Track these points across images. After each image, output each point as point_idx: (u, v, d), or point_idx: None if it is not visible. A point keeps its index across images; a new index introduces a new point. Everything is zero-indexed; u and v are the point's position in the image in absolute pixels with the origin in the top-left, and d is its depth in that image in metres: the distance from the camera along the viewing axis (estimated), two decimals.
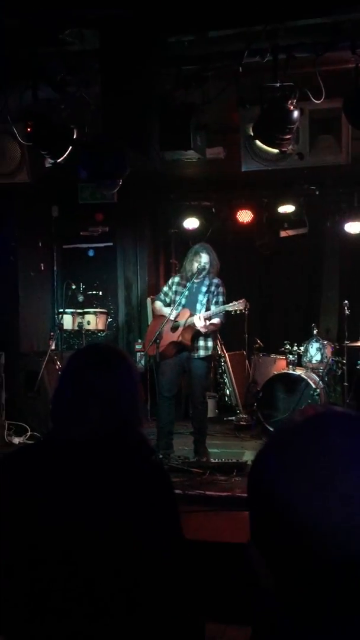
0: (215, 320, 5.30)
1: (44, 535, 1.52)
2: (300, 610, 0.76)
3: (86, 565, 1.50)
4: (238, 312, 5.39)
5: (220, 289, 5.42)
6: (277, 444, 0.81)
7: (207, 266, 5.35)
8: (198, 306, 5.35)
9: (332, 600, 0.74)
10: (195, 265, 5.34)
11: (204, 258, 5.35)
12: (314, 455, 0.75)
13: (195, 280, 5.37)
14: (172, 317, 5.34)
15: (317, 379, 6.52)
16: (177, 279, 5.58)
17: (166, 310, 5.45)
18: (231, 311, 5.33)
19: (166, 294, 5.59)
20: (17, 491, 1.59)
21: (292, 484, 0.75)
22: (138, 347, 7.08)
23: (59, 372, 6.16)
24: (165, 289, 5.65)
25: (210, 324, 5.25)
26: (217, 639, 2.87)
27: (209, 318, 5.24)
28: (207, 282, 5.40)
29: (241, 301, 5.31)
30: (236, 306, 5.30)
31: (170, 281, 5.67)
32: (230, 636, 2.83)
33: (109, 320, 7.33)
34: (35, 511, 1.55)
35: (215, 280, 5.43)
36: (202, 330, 5.21)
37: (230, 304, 5.31)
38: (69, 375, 1.70)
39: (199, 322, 5.18)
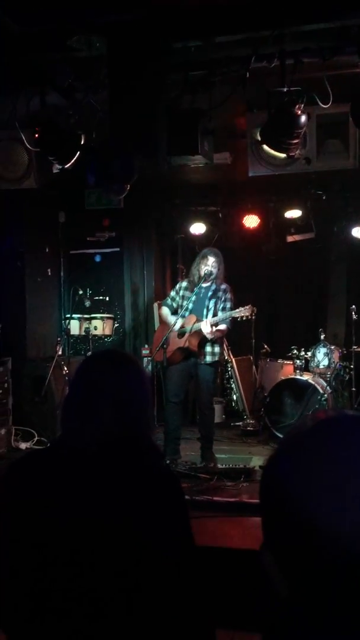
0: (222, 327, 5.29)
1: (54, 539, 1.52)
2: (314, 616, 0.75)
3: (96, 570, 1.49)
4: (244, 318, 5.36)
5: (228, 295, 5.40)
6: (289, 448, 0.80)
7: (215, 271, 5.33)
8: (205, 311, 5.34)
9: (347, 605, 0.73)
10: (203, 270, 5.33)
11: (212, 263, 5.34)
12: (327, 459, 0.75)
13: (203, 285, 5.36)
14: (176, 328, 5.33)
15: (325, 384, 6.50)
16: (184, 284, 5.57)
17: (171, 319, 5.44)
18: (237, 317, 5.31)
19: (173, 299, 5.58)
20: (27, 496, 1.59)
21: (306, 488, 0.74)
22: (145, 352, 7.07)
23: (70, 377, 6.17)
24: (173, 293, 5.64)
25: (217, 330, 5.23)
26: None
27: (216, 324, 5.22)
28: (214, 287, 5.39)
29: (247, 307, 5.28)
30: (242, 312, 5.27)
31: (177, 286, 5.67)
32: None
33: (116, 325, 7.34)
34: (45, 515, 1.54)
35: (223, 286, 5.42)
36: (209, 336, 5.20)
37: (237, 310, 5.29)
38: (80, 381, 1.70)
39: (206, 327, 5.17)
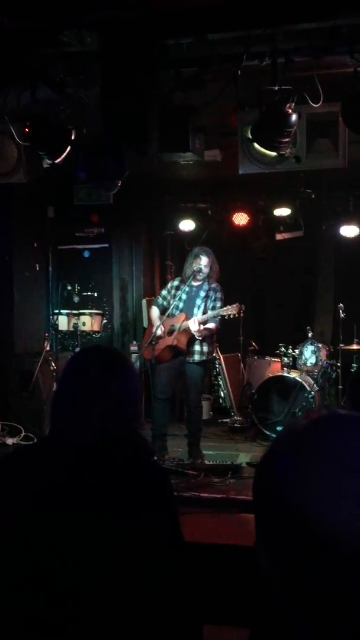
0: (211, 325, 5.29)
1: (42, 535, 1.52)
2: (308, 612, 0.77)
3: (84, 566, 1.50)
4: (232, 316, 5.36)
5: (219, 294, 5.41)
6: (285, 446, 0.81)
7: (207, 270, 5.34)
8: (195, 310, 5.35)
9: (342, 601, 0.74)
10: (195, 269, 5.32)
11: (204, 261, 5.34)
12: (322, 457, 0.76)
13: (195, 284, 5.36)
14: (158, 333, 5.32)
15: (312, 381, 6.53)
16: (176, 283, 5.56)
17: (156, 321, 5.43)
18: (225, 316, 5.30)
19: (164, 298, 5.58)
20: (16, 492, 1.59)
21: (301, 486, 0.75)
22: (133, 348, 7.07)
23: (57, 373, 6.15)
24: (164, 292, 5.63)
25: (205, 328, 5.23)
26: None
27: (204, 322, 5.23)
28: (206, 286, 5.39)
29: (234, 305, 5.28)
30: (229, 310, 5.26)
31: (169, 285, 5.66)
32: (226, 638, 2.83)
33: (104, 321, 7.32)
34: (33, 511, 1.54)
35: (214, 285, 5.42)
36: (197, 334, 5.20)
37: (224, 309, 5.27)
38: (70, 376, 1.70)
39: (194, 326, 5.17)
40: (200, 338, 5.25)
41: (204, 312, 5.31)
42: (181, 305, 5.37)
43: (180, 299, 5.38)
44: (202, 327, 5.19)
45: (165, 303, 5.54)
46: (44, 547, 1.52)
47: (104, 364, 1.67)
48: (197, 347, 5.34)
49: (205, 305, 5.35)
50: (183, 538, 1.65)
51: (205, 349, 5.37)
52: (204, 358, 5.41)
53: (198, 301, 5.37)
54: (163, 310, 5.53)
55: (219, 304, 5.35)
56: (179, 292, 5.44)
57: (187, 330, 5.25)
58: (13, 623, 1.55)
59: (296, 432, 0.81)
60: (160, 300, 5.61)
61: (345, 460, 0.75)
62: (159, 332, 5.32)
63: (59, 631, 1.50)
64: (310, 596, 0.76)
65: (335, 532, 0.72)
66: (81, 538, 1.50)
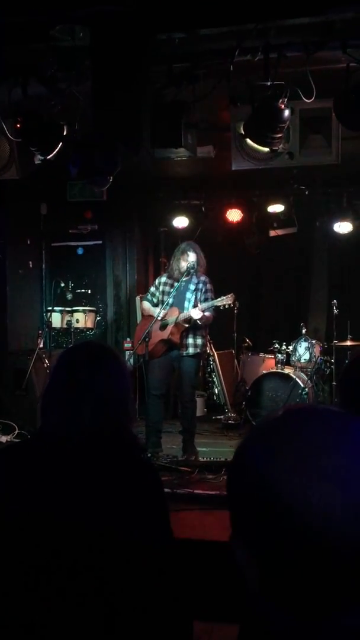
0: (208, 313, 5.32)
1: (33, 532, 1.51)
2: (288, 602, 0.76)
3: (74, 562, 1.49)
4: (227, 306, 5.39)
5: (209, 286, 5.43)
6: (258, 435, 0.82)
7: (195, 265, 5.36)
8: (186, 303, 5.36)
9: (319, 591, 0.74)
10: (184, 265, 5.34)
11: (192, 257, 5.36)
12: (296, 445, 0.77)
13: (184, 279, 5.37)
14: (159, 317, 5.34)
15: (306, 378, 6.54)
16: (163, 279, 5.58)
17: (155, 310, 5.45)
18: (220, 306, 5.34)
19: (153, 294, 5.59)
20: (6, 489, 1.58)
21: (275, 473, 0.76)
22: (127, 345, 7.06)
23: (50, 369, 6.13)
24: (152, 289, 5.64)
25: (204, 315, 5.25)
26: (205, 638, 2.87)
27: (203, 310, 5.26)
28: (195, 280, 5.41)
29: (229, 296, 5.32)
30: (224, 301, 5.31)
31: (157, 281, 5.67)
32: (218, 635, 2.83)
33: (98, 318, 7.31)
34: (24, 508, 1.53)
35: (203, 278, 5.44)
36: (200, 322, 5.19)
37: (219, 299, 5.32)
38: (60, 372, 1.69)
39: (197, 313, 5.17)
40: (201, 324, 5.25)
41: (195, 305, 5.32)
42: (171, 300, 5.39)
43: (169, 294, 5.39)
44: (203, 315, 5.21)
45: (154, 299, 5.56)
46: (33, 544, 1.51)
47: (92, 360, 1.67)
48: (190, 340, 5.35)
49: (196, 297, 5.37)
50: (173, 534, 1.65)
51: (199, 341, 5.39)
52: (198, 351, 5.42)
53: (188, 294, 5.38)
54: (154, 307, 5.54)
55: (209, 295, 5.39)
56: (167, 287, 5.45)
57: (180, 324, 5.27)
58: (4, 621, 1.54)
59: (270, 422, 0.83)
60: (149, 296, 5.63)
61: (320, 448, 0.76)
62: (159, 317, 5.32)
63: (48, 628, 1.49)
64: (287, 585, 0.76)
65: (311, 518, 0.73)
66: (70, 535, 1.49)
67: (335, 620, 0.75)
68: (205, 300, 5.36)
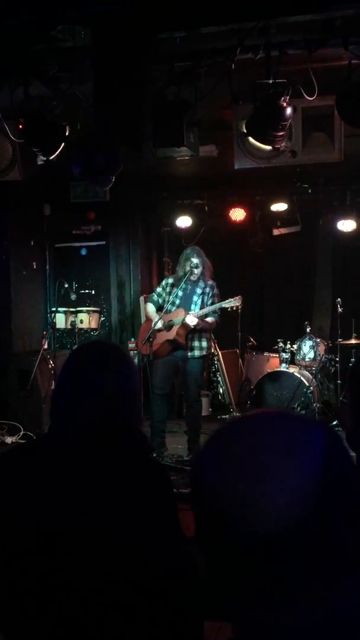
0: (210, 319, 5.32)
1: (42, 532, 1.51)
2: (238, 600, 0.80)
3: (84, 562, 1.49)
4: (234, 308, 5.41)
5: (215, 291, 5.46)
6: (211, 440, 0.86)
7: (199, 270, 5.37)
8: (192, 307, 5.39)
9: (267, 587, 0.77)
10: (188, 269, 5.36)
11: (195, 262, 5.38)
12: (241, 449, 0.81)
13: (191, 283, 5.38)
14: (158, 325, 5.34)
15: (311, 376, 6.53)
16: (170, 281, 5.60)
17: (155, 316, 5.45)
18: (227, 308, 5.36)
19: (159, 295, 5.60)
20: (15, 489, 1.58)
21: (222, 477, 0.80)
22: (131, 345, 7.06)
23: (55, 371, 6.14)
24: (159, 289, 5.65)
25: (204, 321, 5.26)
26: (212, 636, 2.86)
27: (205, 316, 5.26)
28: (202, 284, 5.42)
29: (237, 297, 5.36)
30: (232, 302, 5.34)
31: (164, 282, 5.68)
32: (225, 634, 2.82)
33: (102, 318, 7.31)
34: (33, 509, 1.53)
35: (210, 282, 5.46)
36: (194, 323, 5.21)
37: (226, 301, 5.35)
38: (69, 372, 1.69)
39: (192, 320, 5.19)
40: (198, 327, 5.26)
41: (202, 309, 5.33)
42: (177, 301, 5.39)
43: (176, 296, 5.40)
44: (200, 321, 5.21)
45: (160, 300, 5.57)
46: (41, 546, 1.50)
47: (100, 359, 1.67)
48: (196, 343, 5.37)
49: (203, 301, 5.38)
50: (182, 531, 1.64)
51: (204, 344, 5.41)
52: (204, 353, 5.44)
53: (195, 298, 5.40)
54: (159, 307, 5.55)
55: (215, 300, 5.41)
56: (175, 289, 5.46)
57: (186, 324, 5.27)
58: (12, 618, 1.54)
59: (222, 429, 0.87)
60: (155, 297, 5.63)
61: (263, 451, 0.79)
62: (159, 325, 5.33)
63: (59, 628, 1.49)
64: (236, 582, 0.79)
65: (253, 519, 0.76)
66: (79, 535, 1.49)
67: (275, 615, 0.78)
68: (212, 304, 5.38)
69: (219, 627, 2.94)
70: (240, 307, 5.51)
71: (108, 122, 3.87)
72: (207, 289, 5.42)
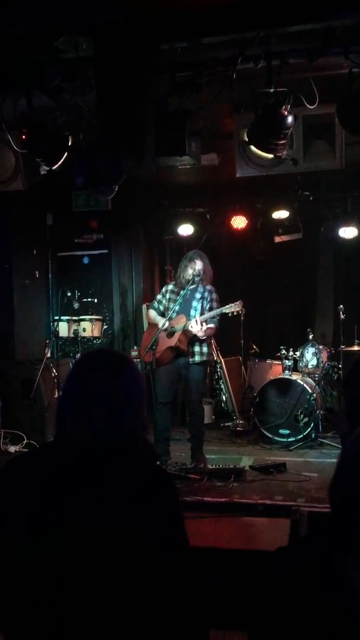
0: (211, 325, 5.32)
1: (49, 539, 1.51)
2: None
3: (90, 570, 1.49)
4: (235, 313, 5.41)
5: (214, 296, 5.45)
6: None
7: (201, 273, 5.38)
8: (192, 312, 5.38)
9: None
10: (190, 272, 5.36)
11: (199, 265, 5.38)
12: None
13: (190, 287, 5.39)
14: (165, 326, 5.35)
15: (314, 383, 6.52)
16: (170, 287, 5.60)
17: (159, 320, 5.46)
18: (228, 313, 5.36)
19: (160, 302, 5.61)
20: (22, 496, 1.58)
21: None
22: (134, 353, 7.05)
23: (58, 380, 6.15)
24: (159, 297, 5.67)
25: (207, 327, 5.26)
26: None
27: (205, 321, 5.26)
28: (201, 289, 5.43)
29: (238, 302, 5.35)
30: (233, 308, 5.34)
31: (164, 289, 5.69)
32: None
33: (105, 327, 7.32)
34: (40, 515, 1.54)
35: (209, 287, 5.46)
36: (200, 334, 5.22)
37: (227, 306, 5.35)
38: (73, 380, 1.70)
39: (196, 326, 5.19)
40: (204, 337, 5.27)
41: (201, 314, 5.33)
42: (177, 308, 5.40)
43: (176, 302, 5.41)
44: (204, 326, 5.22)
45: (161, 307, 5.58)
46: (47, 553, 1.51)
47: (105, 367, 1.67)
48: (197, 348, 5.37)
49: (202, 306, 5.39)
50: (188, 540, 1.64)
51: (205, 349, 5.40)
52: (205, 358, 5.44)
53: (194, 303, 5.41)
54: (160, 314, 5.56)
55: (215, 305, 5.40)
56: (174, 295, 5.47)
57: (188, 331, 5.27)
58: (18, 622, 1.54)
59: None
60: (156, 304, 5.64)
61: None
62: (166, 325, 5.33)
63: (66, 635, 1.49)
64: None
65: None
66: (85, 543, 1.49)
67: None
68: (210, 309, 5.37)
69: (223, 635, 2.94)
70: (241, 312, 5.51)
71: (110, 132, 3.90)
72: (206, 294, 5.43)
